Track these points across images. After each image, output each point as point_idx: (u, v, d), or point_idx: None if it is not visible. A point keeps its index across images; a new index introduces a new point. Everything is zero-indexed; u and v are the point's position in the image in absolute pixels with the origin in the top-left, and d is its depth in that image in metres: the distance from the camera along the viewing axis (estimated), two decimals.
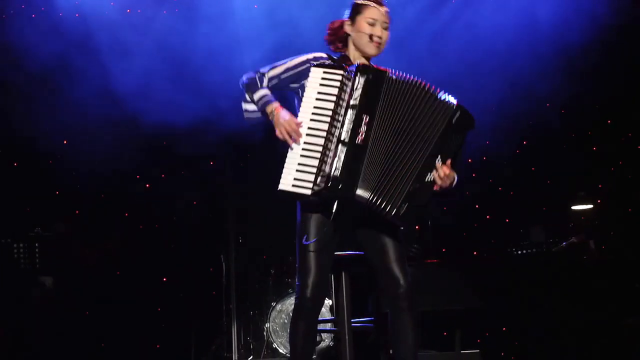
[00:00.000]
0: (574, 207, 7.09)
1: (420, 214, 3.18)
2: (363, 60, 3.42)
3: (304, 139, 3.15)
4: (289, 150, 3.18)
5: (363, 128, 3.11)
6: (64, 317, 6.26)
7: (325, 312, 6.29)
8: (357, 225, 3.38)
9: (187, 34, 6.78)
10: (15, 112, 6.69)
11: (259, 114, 3.36)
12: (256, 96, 3.31)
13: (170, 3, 6.93)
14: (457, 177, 3.22)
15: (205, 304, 7.06)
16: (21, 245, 6.12)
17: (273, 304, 6.67)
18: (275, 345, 6.56)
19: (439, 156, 3.15)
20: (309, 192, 3.12)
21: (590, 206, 7.03)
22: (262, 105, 3.29)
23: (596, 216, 7.01)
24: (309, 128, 3.16)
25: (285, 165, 3.17)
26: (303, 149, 3.15)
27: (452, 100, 3.18)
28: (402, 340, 3.30)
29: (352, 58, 3.45)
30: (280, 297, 6.70)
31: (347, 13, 3.46)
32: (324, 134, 3.14)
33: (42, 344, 6.09)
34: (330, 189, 3.10)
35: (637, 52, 6.94)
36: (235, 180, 7.09)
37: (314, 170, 3.12)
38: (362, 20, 3.38)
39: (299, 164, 3.14)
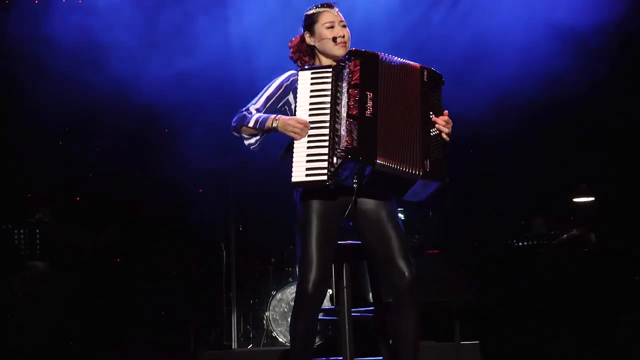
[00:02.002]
0: (575, 200, 7.08)
1: (444, 165, 3.26)
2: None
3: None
4: (295, 144, 3.22)
5: (369, 103, 3.17)
6: (63, 304, 6.26)
7: (325, 302, 6.29)
8: (359, 216, 3.36)
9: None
10: (17, 100, 6.70)
11: (261, 139, 3.43)
12: (251, 123, 3.35)
13: None
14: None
15: (205, 292, 7.06)
16: (21, 231, 6.13)
17: (273, 292, 6.67)
18: (275, 334, 6.57)
19: (431, 112, 3.28)
20: (324, 177, 3.14)
21: (592, 199, 7.03)
22: (261, 124, 3.33)
23: (597, 209, 7.01)
24: (310, 122, 3.23)
25: (294, 159, 3.20)
26: (308, 141, 3.20)
27: (415, 63, 3.34)
28: (404, 332, 3.28)
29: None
30: (281, 285, 6.71)
31: (302, 27, 3.54)
32: (327, 124, 3.20)
33: (40, 331, 6.10)
34: (350, 161, 3.10)
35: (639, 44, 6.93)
36: (235, 167, 7.08)
37: (325, 157, 3.15)
38: (321, 27, 3.46)
39: (308, 154, 3.18)
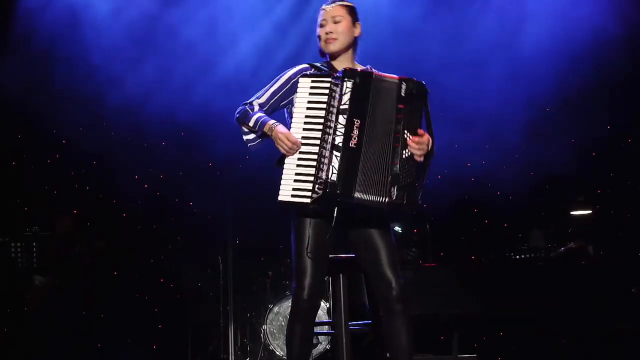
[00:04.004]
0: (573, 213, 7.08)
1: (414, 191, 3.19)
2: (342, 63, 3.44)
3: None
4: (286, 160, 3.23)
5: (355, 132, 3.15)
6: (61, 316, 6.24)
7: (322, 315, 6.28)
8: (350, 228, 3.37)
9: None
10: (15, 111, 6.70)
11: (259, 138, 3.41)
12: (251, 122, 3.35)
13: None
14: (433, 140, 3.28)
15: (202, 305, 7.04)
16: (18, 244, 6.12)
17: (270, 305, 6.66)
18: (272, 347, 6.56)
19: (406, 131, 3.18)
20: (308, 200, 3.15)
21: (589, 212, 7.02)
22: (260, 126, 3.33)
23: (595, 222, 7.00)
24: (303, 137, 3.22)
25: (284, 175, 3.21)
26: (299, 158, 3.20)
27: (394, 77, 3.25)
28: (396, 344, 3.28)
29: (332, 63, 3.50)
30: (278, 299, 6.70)
31: None
32: (318, 141, 3.19)
33: (39, 343, 6.08)
34: (329, 195, 3.12)
35: (637, 55, 6.95)
36: (233, 181, 7.08)
37: (311, 178, 3.16)
38: (317, 27, 3.49)
39: (297, 173, 3.19)
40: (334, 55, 3.46)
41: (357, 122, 3.15)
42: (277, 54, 7.09)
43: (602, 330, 6.07)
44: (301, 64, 3.49)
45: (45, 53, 6.61)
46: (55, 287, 6.31)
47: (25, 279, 6.20)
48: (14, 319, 6.10)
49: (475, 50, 7.04)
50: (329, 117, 3.18)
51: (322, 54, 3.52)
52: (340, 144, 3.13)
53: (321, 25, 3.45)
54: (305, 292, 3.25)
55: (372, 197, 3.16)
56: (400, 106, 3.20)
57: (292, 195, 3.16)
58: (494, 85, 6.97)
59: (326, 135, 3.17)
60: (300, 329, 3.31)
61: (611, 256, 6.60)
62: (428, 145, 3.23)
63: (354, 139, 3.14)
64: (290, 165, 3.21)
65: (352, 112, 3.15)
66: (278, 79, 3.45)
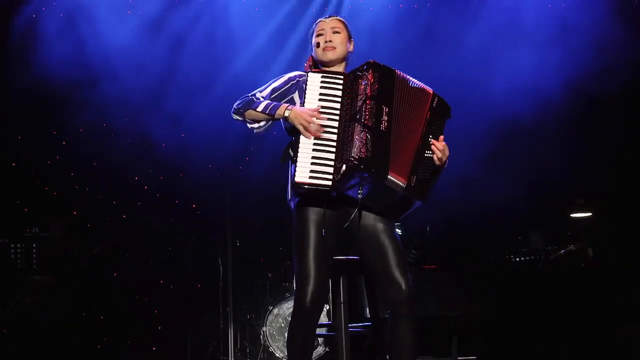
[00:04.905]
0: (572, 215, 7.08)
1: (426, 188, 3.27)
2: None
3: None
4: (299, 147, 3.19)
5: (385, 117, 3.18)
6: (60, 318, 6.24)
7: (322, 317, 6.27)
8: (357, 229, 3.34)
9: None
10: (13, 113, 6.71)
11: (267, 125, 3.41)
12: (260, 108, 3.35)
13: None
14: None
15: (202, 306, 7.05)
16: (18, 245, 6.12)
17: (270, 307, 6.66)
18: (271, 349, 6.55)
19: (430, 136, 3.29)
20: (329, 182, 3.13)
21: (589, 214, 7.03)
22: (271, 110, 3.32)
23: (595, 224, 7.00)
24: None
25: (299, 159, 3.18)
26: (314, 144, 3.18)
27: (429, 88, 3.35)
28: (401, 346, 3.27)
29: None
30: (277, 300, 6.69)
31: None
32: (335, 130, 3.19)
33: (39, 343, 6.08)
34: (363, 170, 3.10)
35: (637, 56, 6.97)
36: (233, 182, 7.09)
37: (331, 163, 3.15)
38: (314, 37, 3.55)
39: (313, 157, 3.17)
40: (328, 65, 3.50)
41: (386, 109, 3.18)
42: (275, 62, 7.16)
43: (603, 331, 6.07)
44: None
45: (45, 54, 6.62)
46: (55, 288, 6.30)
47: (25, 280, 6.19)
48: (14, 319, 6.10)
49: (477, 51, 7.06)
50: (353, 104, 3.19)
51: (315, 64, 3.56)
52: (372, 125, 3.14)
53: (319, 35, 3.51)
54: (308, 298, 3.21)
55: (394, 179, 3.18)
56: (431, 114, 3.29)
57: (310, 177, 3.14)
58: (495, 87, 6.98)
59: (350, 115, 3.18)
60: (301, 335, 3.28)
61: (611, 258, 6.60)
62: (446, 159, 3.31)
63: (384, 123, 3.17)
64: (306, 150, 3.17)
65: (381, 99, 3.18)
66: (278, 78, 3.49)
